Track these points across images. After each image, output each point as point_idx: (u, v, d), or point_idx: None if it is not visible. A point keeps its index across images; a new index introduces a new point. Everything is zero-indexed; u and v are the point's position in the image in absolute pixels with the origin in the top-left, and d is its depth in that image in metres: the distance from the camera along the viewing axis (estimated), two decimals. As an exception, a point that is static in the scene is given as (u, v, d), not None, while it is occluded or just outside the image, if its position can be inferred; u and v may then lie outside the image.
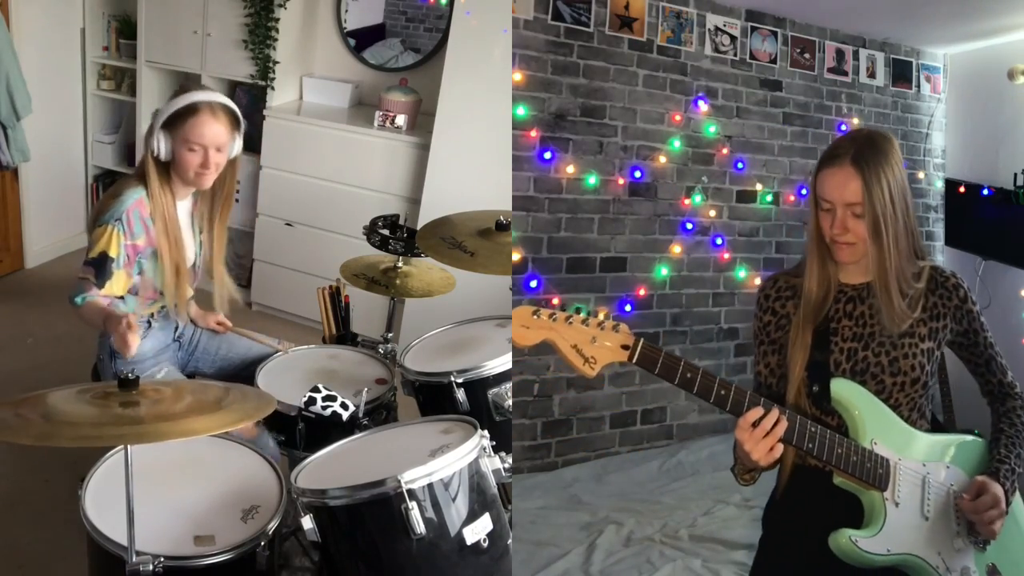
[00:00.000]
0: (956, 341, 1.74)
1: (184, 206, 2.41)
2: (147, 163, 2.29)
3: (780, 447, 1.51)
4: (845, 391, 1.63)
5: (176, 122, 2.25)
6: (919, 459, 1.65)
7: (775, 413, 1.51)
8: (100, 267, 2.19)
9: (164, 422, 1.61)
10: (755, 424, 1.50)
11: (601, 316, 1.48)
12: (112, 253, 2.20)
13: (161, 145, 2.26)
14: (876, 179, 1.57)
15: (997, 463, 1.70)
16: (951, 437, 1.73)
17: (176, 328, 2.55)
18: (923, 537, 1.61)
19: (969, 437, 1.76)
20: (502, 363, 2.34)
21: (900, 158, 1.63)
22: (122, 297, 2.31)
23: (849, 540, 1.54)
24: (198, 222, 2.48)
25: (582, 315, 1.47)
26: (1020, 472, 1.71)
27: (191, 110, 2.25)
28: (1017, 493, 1.72)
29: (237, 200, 2.59)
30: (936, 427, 1.76)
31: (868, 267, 1.66)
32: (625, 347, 1.47)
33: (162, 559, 1.65)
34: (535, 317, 1.44)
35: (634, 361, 1.46)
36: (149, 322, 2.42)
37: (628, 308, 3.68)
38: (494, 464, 1.87)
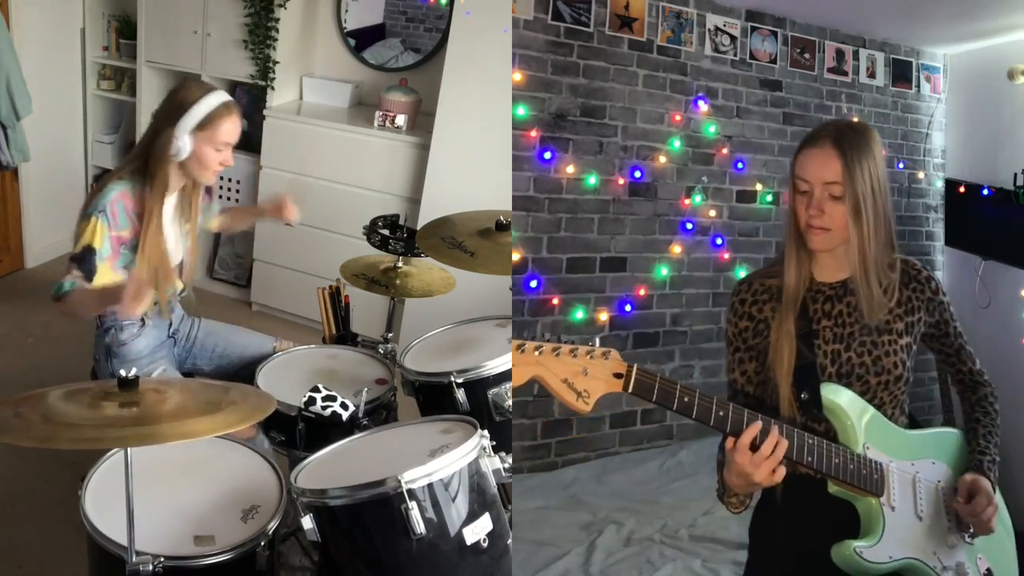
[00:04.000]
0: (928, 333, 1.73)
1: (171, 202, 2.40)
2: (167, 166, 2.27)
3: (783, 467, 1.45)
4: (836, 397, 1.59)
5: (208, 123, 2.24)
6: (908, 459, 1.63)
7: (775, 433, 1.44)
8: (86, 261, 2.16)
9: (164, 423, 1.61)
10: (754, 446, 1.43)
11: (591, 344, 1.39)
12: (96, 245, 2.18)
13: (186, 147, 2.25)
14: (856, 160, 1.55)
15: (979, 455, 1.69)
16: (931, 432, 1.73)
17: (170, 325, 2.54)
18: (920, 538, 1.61)
19: (946, 429, 1.76)
20: (502, 363, 2.33)
21: (882, 152, 1.61)
22: None
23: (854, 552, 1.52)
24: (183, 216, 2.46)
25: (569, 346, 1.36)
26: (999, 460, 1.71)
27: (225, 110, 2.26)
28: None
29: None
30: (912, 423, 1.75)
31: (844, 262, 1.63)
32: (618, 375, 1.38)
33: (162, 559, 1.65)
34: (520, 353, 1.35)
35: (629, 390, 1.37)
36: (143, 320, 2.41)
37: (628, 308, 3.68)
38: (494, 464, 1.86)
